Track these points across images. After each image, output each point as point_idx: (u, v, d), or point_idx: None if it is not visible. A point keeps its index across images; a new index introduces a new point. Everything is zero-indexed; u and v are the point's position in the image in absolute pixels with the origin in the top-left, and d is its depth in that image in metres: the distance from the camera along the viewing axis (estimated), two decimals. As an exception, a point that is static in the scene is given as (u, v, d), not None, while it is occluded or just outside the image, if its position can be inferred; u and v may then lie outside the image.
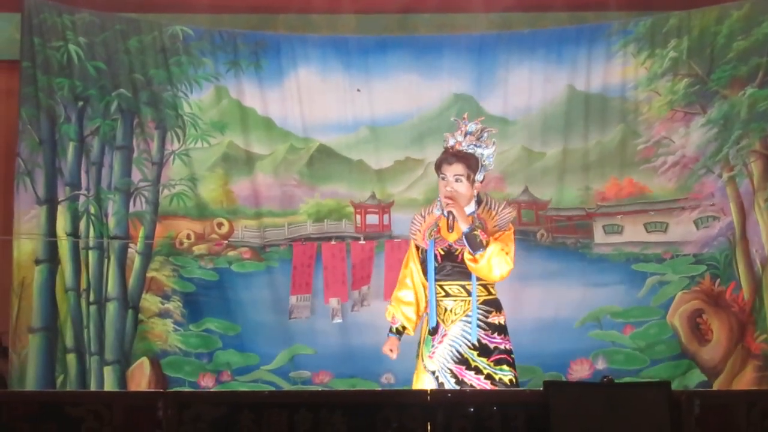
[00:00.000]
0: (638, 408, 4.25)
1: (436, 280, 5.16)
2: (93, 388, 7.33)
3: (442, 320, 5.15)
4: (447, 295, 5.17)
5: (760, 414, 4.30)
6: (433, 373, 5.13)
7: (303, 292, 7.66)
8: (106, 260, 7.57)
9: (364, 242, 7.71)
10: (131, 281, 7.61)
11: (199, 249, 7.75)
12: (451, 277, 5.17)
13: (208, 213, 7.79)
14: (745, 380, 7.35)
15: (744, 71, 7.56)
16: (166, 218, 7.75)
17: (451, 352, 5.11)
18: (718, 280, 7.58)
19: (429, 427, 4.24)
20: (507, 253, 5.10)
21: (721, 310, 7.55)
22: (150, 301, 7.62)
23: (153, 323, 7.61)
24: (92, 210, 7.59)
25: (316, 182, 7.86)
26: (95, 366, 7.44)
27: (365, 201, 7.86)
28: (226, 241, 7.76)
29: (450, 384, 5.06)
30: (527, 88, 7.85)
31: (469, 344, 5.10)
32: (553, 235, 7.78)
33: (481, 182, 5.29)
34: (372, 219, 7.81)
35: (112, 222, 7.62)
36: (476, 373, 5.07)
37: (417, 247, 5.33)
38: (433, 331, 5.16)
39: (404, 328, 5.31)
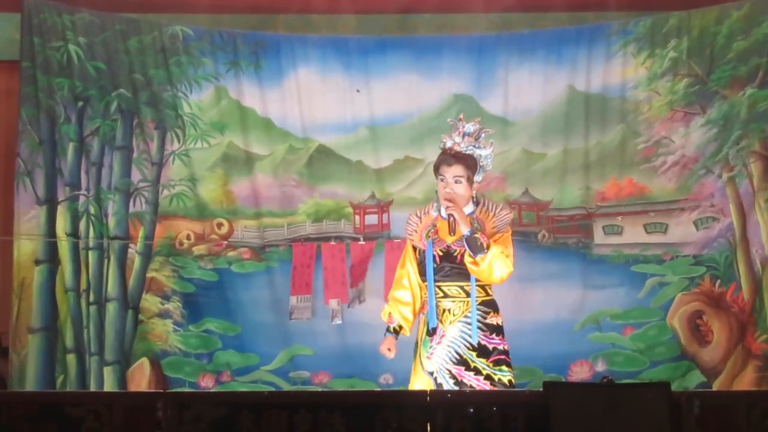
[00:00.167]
0: (638, 409, 4.25)
1: (434, 281, 5.16)
2: (93, 388, 7.33)
3: (441, 321, 5.15)
4: (445, 296, 5.17)
5: (760, 414, 4.30)
6: (432, 373, 5.13)
7: (303, 292, 7.66)
8: (106, 260, 7.57)
9: (363, 242, 7.71)
10: (131, 281, 7.61)
11: (199, 249, 7.75)
12: (449, 278, 5.17)
13: (208, 213, 7.79)
14: (746, 381, 7.35)
15: (744, 71, 7.56)
16: (166, 218, 7.75)
17: (450, 353, 5.11)
18: (719, 281, 7.58)
19: (428, 428, 4.23)
20: (507, 256, 5.11)
21: (721, 311, 7.55)
22: (150, 302, 7.62)
23: (153, 324, 7.61)
24: (92, 210, 7.59)
25: (315, 182, 7.86)
26: (95, 366, 7.44)
27: (364, 201, 7.85)
28: (225, 242, 7.76)
29: (448, 385, 5.06)
30: (527, 88, 7.85)
31: (468, 345, 5.10)
32: (555, 236, 7.78)
33: (479, 183, 5.30)
34: (371, 219, 7.81)
35: (112, 222, 7.62)
36: (476, 374, 5.07)
37: (414, 248, 5.33)
38: (432, 332, 5.15)
39: (401, 327, 5.31)
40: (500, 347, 5.14)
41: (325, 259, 7.68)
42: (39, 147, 7.54)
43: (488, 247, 5.04)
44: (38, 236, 7.47)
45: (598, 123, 7.83)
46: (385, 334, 5.33)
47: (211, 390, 7.40)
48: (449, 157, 5.20)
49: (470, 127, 5.28)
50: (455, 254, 5.16)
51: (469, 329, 5.11)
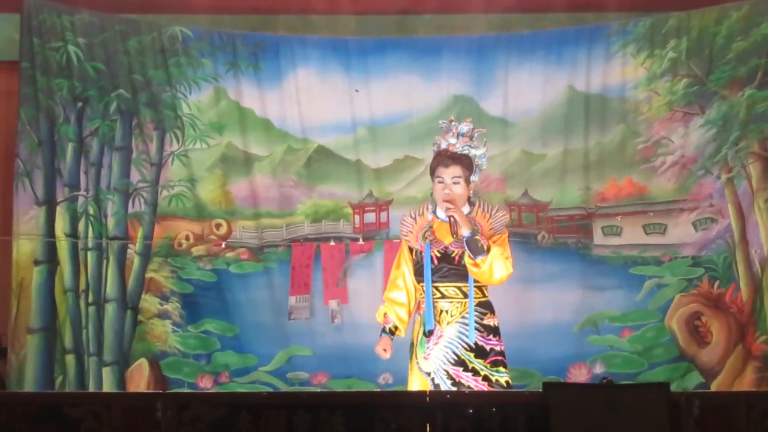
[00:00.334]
0: (638, 409, 4.25)
1: (432, 282, 5.16)
2: (92, 389, 7.33)
3: (438, 322, 5.15)
4: (443, 296, 5.17)
5: (760, 415, 4.30)
6: (429, 374, 5.13)
7: (302, 292, 7.66)
8: (104, 261, 7.57)
9: (362, 242, 7.71)
10: (130, 282, 7.61)
11: (198, 250, 7.75)
12: (447, 279, 5.17)
13: (207, 214, 7.79)
14: (746, 381, 7.35)
15: (743, 72, 7.56)
16: (165, 219, 7.74)
17: (448, 353, 5.12)
18: (717, 282, 7.57)
19: (428, 428, 4.24)
20: (507, 258, 5.13)
21: (720, 312, 7.55)
22: (149, 302, 7.62)
23: (152, 324, 7.60)
24: (91, 211, 7.58)
25: (313, 183, 7.85)
26: (94, 367, 7.43)
27: (363, 200, 7.85)
28: (224, 242, 7.75)
29: (446, 385, 5.06)
30: (527, 89, 7.85)
31: (466, 346, 5.10)
32: (555, 236, 7.78)
33: (475, 184, 5.32)
34: (369, 218, 7.81)
35: (111, 223, 7.62)
36: (474, 375, 5.07)
37: (410, 249, 5.32)
38: (429, 333, 5.15)
39: (396, 328, 5.30)
40: (497, 348, 5.15)
41: (324, 259, 7.68)
42: (38, 147, 7.54)
43: (488, 249, 5.05)
44: (37, 236, 7.47)
45: (598, 123, 7.82)
46: (380, 335, 5.33)
47: (210, 391, 7.39)
48: (446, 158, 5.20)
49: (464, 128, 5.29)
50: (453, 255, 5.16)
51: (467, 330, 5.11)
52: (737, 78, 7.58)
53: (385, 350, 5.28)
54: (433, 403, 4.37)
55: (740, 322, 7.50)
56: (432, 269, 5.17)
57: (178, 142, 7.78)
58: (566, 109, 7.85)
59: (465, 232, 5.04)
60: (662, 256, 7.68)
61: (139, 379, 7.53)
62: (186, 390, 7.42)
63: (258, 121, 7.87)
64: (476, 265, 5.05)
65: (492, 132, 7.71)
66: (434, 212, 5.28)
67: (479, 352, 5.11)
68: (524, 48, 7.86)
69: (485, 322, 5.16)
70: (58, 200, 7.56)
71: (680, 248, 7.68)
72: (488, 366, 5.09)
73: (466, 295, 5.14)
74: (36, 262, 7.47)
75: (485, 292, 5.22)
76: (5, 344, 7.45)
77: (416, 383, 5.18)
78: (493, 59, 7.87)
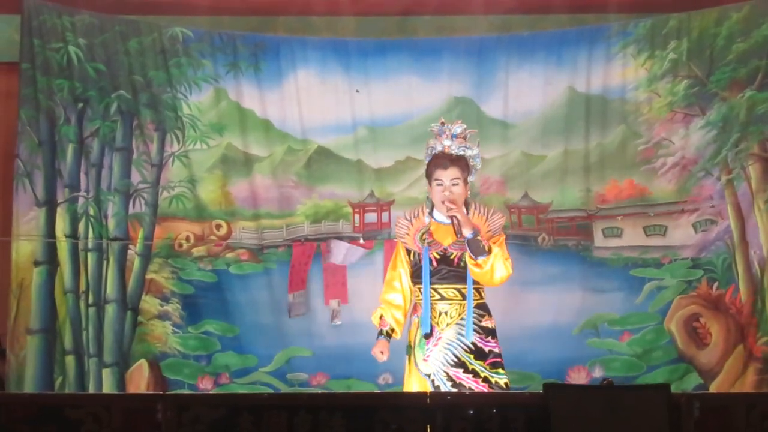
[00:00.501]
0: (638, 410, 4.25)
1: (430, 284, 5.16)
2: (92, 390, 7.33)
3: (437, 323, 5.16)
4: (442, 298, 5.18)
5: (760, 416, 4.30)
6: (429, 376, 5.13)
7: (299, 288, 7.67)
8: (105, 262, 7.57)
9: (363, 242, 7.71)
10: (131, 283, 7.60)
11: (198, 251, 7.75)
12: (447, 281, 5.18)
13: (207, 215, 7.78)
14: (747, 383, 7.35)
15: (743, 73, 7.56)
16: (165, 220, 7.74)
17: (447, 355, 5.12)
18: (716, 284, 7.57)
19: (428, 430, 4.23)
20: (507, 259, 5.15)
21: (720, 313, 7.55)
22: (149, 303, 7.61)
23: (152, 325, 7.60)
24: (91, 211, 7.58)
25: (313, 183, 7.85)
26: (94, 368, 7.43)
27: (364, 200, 7.85)
28: (224, 243, 7.75)
29: (446, 387, 5.07)
30: (527, 90, 7.84)
31: (466, 347, 5.11)
32: (555, 238, 7.77)
33: (470, 184, 5.33)
34: (370, 218, 7.81)
35: (111, 223, 7.62)
36: (474, 377, 5.08)
37: (408, 251, 5.32)
38: (428, 335, 5.15)
39: (393, 330, 5.30)
40: (495, 350, 5.17)
41: (324, 258, 7.69)
42: (38, 148, 7.54)
43: (490, 250, 5.07)
44: (37, 237, 7.47)
45: (599, 124, 7.82)
46: (377, 338, 5.32)
47: (210, 392, 7.39)
48: (444, 160, 5.22)
49: (457, 129, 5.32)
50: (452, 257, 5.18)
51: (465, 330, 5.11)
52: (737, 79, 7.58)
53: (382, 353, 5.28)
54: (433, 404, 4.36)
55: (739, 323, 7.50)
56: (431, 271, 5.17)
57: (178, 142, 7.78)
58: (566, 110, 7.85)
59: (467, 232, 5.05)
60: (662, 258, 7.69)
61: (139, 380, 7.52)
62: (186, 391, 7.42)
63: (258, 122, 7.86)
64: (478, 265, 5.06)
65: (492, 134, 7.75)
66: (430, 214, 5.29)
67: (478, 353, 5.12)
68: (524, 49, 7.86)
69: (483, 324, 5.17)
70: (59, 201, 7.56)
71: (680, 250, 7.68)
72: (488, 368, 5.10)
73: (464, 297, 5.14)
74: (36, 263, 7.47)
75: (482, 294, 5.24)
76: (5, 345, 7.45)
77: (414, 385, 5.18)
78: (494, 60, 7.87)
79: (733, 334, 7.52)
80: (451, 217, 5.11)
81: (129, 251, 7.63)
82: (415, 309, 5.27)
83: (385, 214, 7.77)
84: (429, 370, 5.13)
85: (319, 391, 7.36)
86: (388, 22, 8.08)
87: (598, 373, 7.52)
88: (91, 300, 7.50)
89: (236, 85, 7.85)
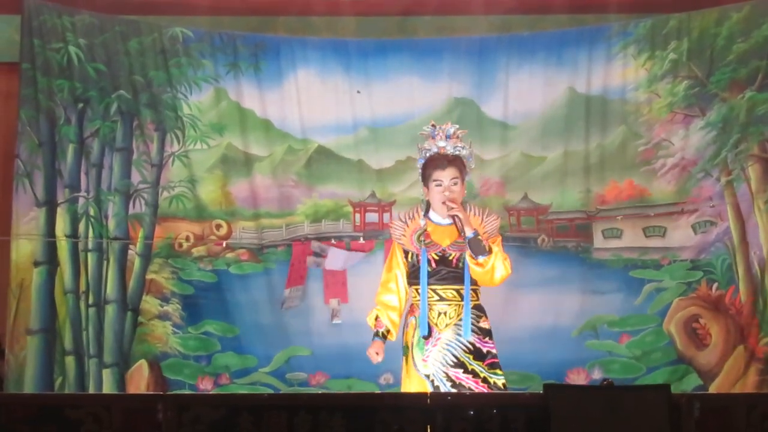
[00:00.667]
0: (638, 411, 4.25)
1: (429, 285, 5.16)
2: (92, 390, 7.32)
3: (436, 324, 5.16)
4: (441, 299, 5.18)
5: (760, 416, 4.30)
6: (428, 376, 5.13)
7: (297, 284, 7.67)
8: (105, 262, 7.57)
9: (363, 241, 7.71)
10: (131, 283, 7.60)
11: (198, 251, 7.75)
12: (446, 282, 5.18)
13: (207, 215, 7.78)
14: (748, 383, 7.35)
15: (743, 74, 7.56)
16: (165, 220, 7.74)
17: (447, 355, 5.12)
18: (716, 285, 7.57)
19: (429, 430, 4.23)
20: (506, 259, 5.17)
21: (719, 314, 7.55)
22: (150, 303, 7.61)
23: (153, 325, 7.60)
24: (92, 212, 7.59)
25: (314, 183, 7.85)
26: (94, 368, 7.43)
27: (365, 199, 7.85)
28: (224, 243, 7.75)
29: (446, 387, 5.07)
30: (527, 91, 7.84)
31: (465, 348, 5.11)
32: (554, 239, 7.77)
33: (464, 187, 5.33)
34: (371, 217, 7.81)
35: (111, 224, 7.62)
36: (473, 377, 5.08)
37: (405, 252, 5.32)
38: (427, 336, 5.15)
39: (388, 332, 5.30)
40: (493, 351, 5.18)
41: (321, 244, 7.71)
42: (39, 148, 7.54)
43: (490, 249, 5.09)
44: (37, 237, 7.47)
45: (599, 125, 7.82)
46: (373, 339, 5.31)
47: (211, 392, 7.38)
48: (442, 161, 5.23)
49: (450, 129, 5.34)
50: (451, 258, 5.18)
51: (463, 330, 5.12)
52: (737, 80, 7.58)
53: (377, 353, 5.27)
54: (433, 404, 4.36)
55: (739, 324, 7.50)
56: (429, 272, 5.18)
57: (178, 142, 7.78)
58: (566, 111, 7.85)
59: (468, 232, 5.06)
60: (662, 259, 7.69)
61: (140, 380, 7.52)
62: (186, 392, 7.41)
63: (258, 122, 7.87)
64: (480, 265, 5.08)
65: (492, 135, 7.76)
66: (426, 216, 5.30)
67: (477, 354, 5.13)
68: (525, 49, 7.86)
69: (481, 325, 5.18)
70: (59, 201, 7.56)
71: (680, 251, 7.68)
72: (486, 368, 5.11)
73: (463, 298, 5.15)
74: (36, 263, 7.47)
75: (479, 295, 5.25)
76: (4, 345, 7.44)
77: (413, 385, 5.18)
78: (494, 61, 7.87)
79: (733, 335, 7.51)
80: (453, 217, 5.12)
81: (129, 251, 7.63)
82: (412, 310, 5.27)
83: (386, 215, 7.77)
84: (428, 371, 5.13)
85: (319, 391, 7.36)
86: (389, 23, 8.08)
87: (597, 374, 7.52)
88: (91, 300, 7.50)
89: (236, 85, 7.86)
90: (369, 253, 7.70)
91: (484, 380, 5.08)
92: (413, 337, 5.20)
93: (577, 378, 7.52)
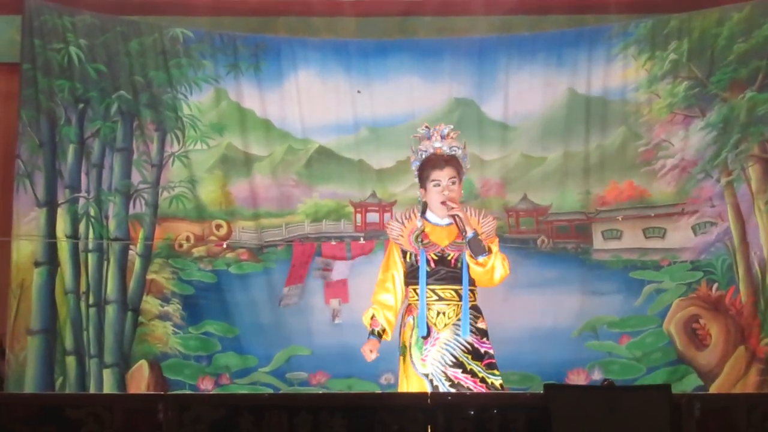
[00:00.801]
0: (638, 411, 4.25)
1: (428, 284, 5.17)
2: (93, 390, 7.32)
3: (434, 324, 5.17)
4: (440, 299, 5.19)
5: (761, 417, 4.30)
6: (427, 376, 5.14)
7: (296, 282, 7.68)
8: (105, 262, 7.57)
9: (364, 242, 7.71)
10: (131, 283, 7.61)
11: (199, 251, 7.75)
12: (445, 282, 5.19)
13: (207, 215, 7.78)
14: (749, 384, 7.34)
15: (744, 74, 7.56)
16: (166, 220, 7.74)
17: (445, 355, 5.13)
18: (716, 285, 7.57)
19: (429, 430, 4.23)
20: (504, 259, 5.20)
21: (719, 314, 7.55)
22: (150, 304, 7.61)
23: (153, 326, 7.60)
24: (92, 212, 7.59)
25: (314, 182, 7.85)
26: (95, 369, 7.43)
27: (365, 199, 7.85)
28: (225, 243, 7.75)
29: (444, 387, 5.08)
30: (527, 92, 7.84)
31: (464, 348, 5.12)
32: (554, 241, 7.77)
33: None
34: (372, 217, 7.81)
35: (112, 224, 7.62)
36: (472, 377, 5.09)
37: (404, 252, 5.32)
38: (426, 335, 5.16)
39: (384, 331, 5.29)
40: (490, 351, 5.20)
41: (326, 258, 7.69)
42: (39, 149, 7.55)
43: (490, 249, 5.11)
44: (38, 237, 7.47)
45: (599, 126, 7.82)
46: (368, 337, 5.31)
47: (211, 392, 7.38)
48: (440, 161, 5.25)
49: (445, 130, 5.36)
50: (449, 258, 5.20)
51: (462, 330, 5.12)
52: (738, 80, 7.58)
53: (371, 351, 5.26)
54: (434, 404, 4.36)
55: (739, 325, 7.50)
56: (428, 272, 5.19)
57: (178, 143, 7.78)
58: (567, 111, 7.84)
59: (469, 231, 5.08)
60: (661, 260, 7.69)
61: (140, 380, 7.52)
62: (187, 392, 7.41)
63: (258, 122, 7.87)
64: (480, 264, 5.10)
65: (492, 136, 7.76)
66: (422, 216, 5.30)
67: (475, 354, 5.14)
68: (525, 50, 7.86)
69: (478, 325, 5.20)
70: (59, 201, 7.57)
71: (680, 252, 7.68)
72: (484, 368, 5.12)
73: (461, 298, 5.16)
74: (36, 264, 7.47)
75: (476, 295, 5.25)
76: (5, 345, 7.45)
77: (411, 385, 5.18)
78: (494, 61, 7.87)
79: (733, 336, 7.51)
80: (454, 217, 5.13)
81: (129, 251, 7.63)
82: (409, 310, 5.27)
83: (387, 215, 7.77)
84: (427, 371, 5.14)
85: (320, 391, 7.36)
86: (389, 23, 8.08)
87: (597, 375, 7.52)
88: (91, 300, 7.50)
89: (236, 85, 7.86)
90: (370, 254, 7.69)
91: (482, 380, 5.09)
92: (411, 336, 5.21)
93: (577, 379, 7.52)
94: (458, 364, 5.11)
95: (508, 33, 7.97)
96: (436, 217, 5.28)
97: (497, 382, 5.13)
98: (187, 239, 7.75)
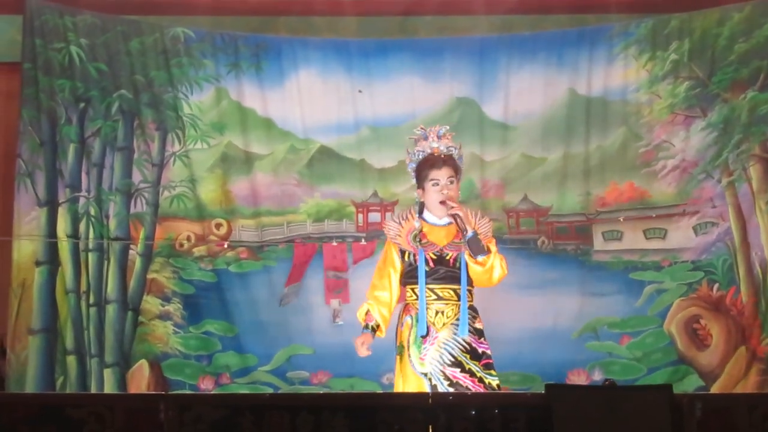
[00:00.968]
0: (639, 411, 4.25)
1: (426, 284, 5.18)
2: (93, 390, 7.32)
3: (433, 323, 5.18)
4: (439, 298, 5.19)
5: (762, 417, 4.29)
6: (426, 375, 5.14)
7: (294, 282, 7.68)
8: (106, 262, 7.57)
9: (365, 243, 7.71)
10: (132, 283, 7.60)
11: (199, 250, 7.74)
12: (444, 281, 5.19)
13: (207, 214, 7.78)
14: (749, 384, 7.34)
15: (745, 74, 7.56)
16: (166, 220, 7.74)
17: (444, 355, 5.13)
18: (716, 285, 7.57)
19: (430, 430, 4.23)
20: (502, 259, 5.22)
21: (720, 314, 7.55)
22: (151, 303, 7.61)
23: (154, 325, 7.60)
24: (92, 211, 7.59)
25: (316, 182, 7.85)
26: (95, 368, 7.43)
27: (367, 199, 7.85)
28: (226, 243, 7.75)
29: (443, 386, 5.08)
30: (528, 92, 7.84)
31: (462, 347, 5.12)
32: (554, 242, 7.77)
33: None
34: (374, 217, 7.80)
35: (112, 223, 7.62)
36: (470, 376, 5.10)
37: (402, 252, 5.32)
38: (425, 334, 5.16)
39: (378, 326, 5.29)
40: (488, 352, 5.20)
41: (326, 259, 7.68)
42: (40, 148, 7.54)
43: (488, 249, 5.13)
44: (38, 237, 7.47)
45: (600, 126, 7.81)
46: (362, 330, 5.32)
47: (212, 392, 7.38)
48: (437, 160, 5.26)
49: (441, 130, 5.38)
50: (448, 258, 5.20)
51: (460, 329, 5.12)
52: (739, 80, 7.57)
53: (363, 343, 5.26)
54: (435, 404, 4.36)
55: (740, 325, 7.50)
56: (427, 271, 5.19)
57: (179, 142, 7.78)
58: (567, 112, 7.84)
59: (469, 230, 5.08)
60: (662, 261, 7.68)
61: (140, 380, 7.51)
62: (188, 392, 7.41)
63: (259, 121, 7.87)
64: (480, 264, 5.11)
65: (492, 136, 7.76)
66: (420, 216, 5.31)
67: (473, 354, 5.15)
68: (526, 50, 7.86)
69: (476, 325, 5.20)
70: (60, 201, 7.56)
71: (680, 253, 7.68)
72: (482, 368, 5.13)
73: (459, 297, 5.16)
74: (37, 263, 7.47)
75: (473, 296, 5.26)
76: (6, 345, 7.44)
77: (408, 384, 5.18)
78: (495, 61, 7.87)
79: (734, 336, 7.51)
80: (454, 216, 5.14)
81: (130, 251, 7.63)
82: (407, 309, 5.27)
83: (388, 215, 7.77)
84: (426, 370, 5.15)
85: (321, 390, 7.35)
86: (390, 23, 8.08)
87: (597, 375, 7.52)
88: (92, 300, 7.50)
89: (237, 84, 7.86)
90: (372, 256, 7.69)
91: (480, 380, 5.10)
92: (410, 335, 5.21)
93: (577, 379, 7.52)
94: (457, 364, 5.11)
95: (509, 32, 7.97)
96: (434, 217, 5.29)
97: (494, 382, 5.14)
98: (188, 239, 7.75)
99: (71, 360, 7.42)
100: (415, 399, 4.67)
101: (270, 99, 7.85)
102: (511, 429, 4.24)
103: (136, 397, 5.73)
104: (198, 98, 7.82)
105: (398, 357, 5.28)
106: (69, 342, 7.44)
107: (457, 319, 5.15)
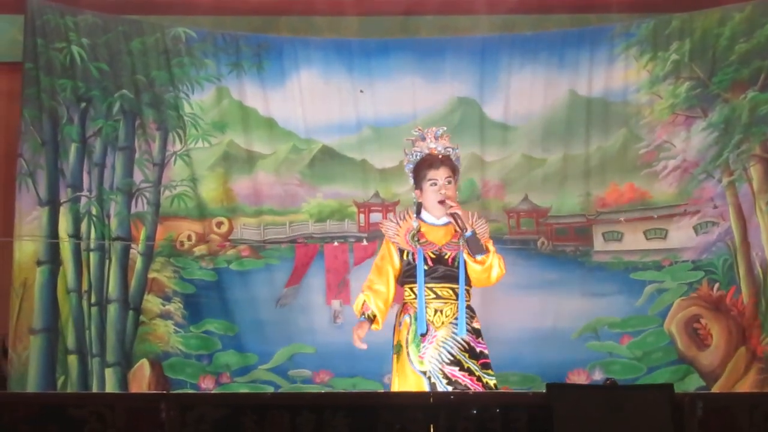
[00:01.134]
0: (641, 410, 4.25)
1: (425, 283, 5.19)
2: (95, 389, 7.33)
3: (432, 322, 5.18)
4: (438, 297, 5.20)
5: (763, 416, 4.29)
6: (425, 373, 5.15)
7: (293, 284, 7.68)
8: (107, 261, 7.57)
9: (366, 243, 7.71)
10: (133, 282, 7.61)
11: (200, 250, 7.75)
12: (442, 280, 5.20)
13: (208, 213, 7.78)
14: (749, 383, 7.34)
15: (745, 74, 7.56)
16: (167, 219, 7.75)
17: (442, 353, 5.14)
18: (717, 285, 7.57)
19: (431, 429, 4.23)
20: (500, 258, 5.23)
21: (720, 314, 7.55)
22: (152, 303, 7.62)
23: (155, 325, 7.60)
24: (94, 211, 7.59)
25: (318, 182, 7.85)
26: (97, 368, 7.44)
27: (369, 199, 7.85)
28: (228, 242, 7.75)
29: (442, 385, 5.09)
30: (529, 92, 7.84)
31: (461, 346, 5.13)
32: (554, 243, 7.77)
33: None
34: (376, 218, 7.80)
35: (114, 223, 7.62)
36: (469, 375, 5.10)
37: (400, 251, 5.32)
38: (424, 333, 5.16)
39: (374, 317, 5.27)
40: (485, 351, 5.21)
41: (327, 260, 7.68)
42: (41, 148, 7.55)
43: (487, 248, 5.16)
44: (40, 237, 7.48)
45: (600, 127, 7.81)
46: (359, 319, 5.31)
47: (214, 391, 7.39)
48: (435, 160, 5.27)
49: (438, 131, 5.38)
50: (447, 257, 5.21)
51: (459, 328, 5.13)
52: (740, 80, 7.58)
53: (359, 329, 5.26)
54: (436, 403, 4.37)
55: (741, 325, 7.50)
56: (426, 270, 5.20)
57: (180, 141, 7.79)
58: (567, 112, 7.84)
59: (468, 229, 5.10)
60: (663, 260, 7.69)
61: (141, 380, 7.52)
62: (189, 391, 7.42)
63: (261, 120, 7.87)
64: (479, 263, 5.13)
65: (493, 136, 7.76)
66: (418, 216, 5.31)
67: (472, 353, 5.15)
68: (527, 50, 7.86)
69: (473, 325, 5.21)
70: (61, 201, 7.57)
71: (681, 252, 7.68)
72: (480, 367, 5.13)
73: (458, 297, 5.17)
74: (39, 263, 7.47)
75: (470, 295, 5.27)
76: (7, 345, 7.45)
77: (406, 383, 5.19)
78: (496, 61, 7.87)
79: (735, 336, 7.52)
80: (453, 215, 5.15)
81: (131, 250, 7.63)
82: (405, 308, 5.28)
83: (390, 215, 7.76)
84: (425, 368, 5.15)
85: (323, 390, 7.36)
86: (391, 22, 8.08)
87: (598, 375, 7.52)
88: (93, 299, 7.50)
89: (239, 84, 7.86)
90: (373, 257, 7.68)
91: (479, 379, 5.11)
92: (408, 334, 5.22)
93: (577, 379, 7.53)
94: (455, 362, 5.12)
95: (511, 32, 7.97)
96: (432, 217, 5.29)
97: (492, 381, 5.15)
98: (189, 238, 7.75)
99: (72, 359, 7.43)
100: (416, 398, 4.67)
101: (271, 99, 7.86)
102: (512, 428, 4.24)
103: (137, 397, 5.72)
104: (199, 97, 7.83)
105: (395, 356, 5.29)
106: (70, 341, 7.45)
107: (456, 318, 5.16)
